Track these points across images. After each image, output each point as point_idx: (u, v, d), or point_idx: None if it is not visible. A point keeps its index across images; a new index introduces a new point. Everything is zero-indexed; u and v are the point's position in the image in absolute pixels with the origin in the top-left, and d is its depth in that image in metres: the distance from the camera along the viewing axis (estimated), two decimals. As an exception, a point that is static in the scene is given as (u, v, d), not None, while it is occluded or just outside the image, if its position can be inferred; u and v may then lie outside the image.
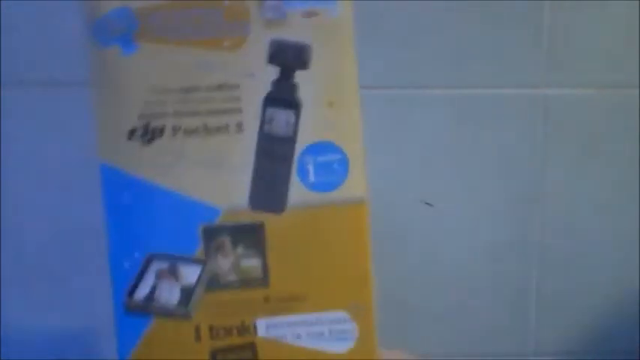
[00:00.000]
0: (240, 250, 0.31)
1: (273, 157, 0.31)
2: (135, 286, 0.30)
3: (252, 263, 0.31)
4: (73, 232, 0.51)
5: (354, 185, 0.31)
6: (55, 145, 0.51)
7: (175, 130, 0.30)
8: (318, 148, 0.31)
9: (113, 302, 0.30)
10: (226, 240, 0.31)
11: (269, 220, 0.31)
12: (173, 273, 0.31)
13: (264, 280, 0.31)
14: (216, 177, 0.30)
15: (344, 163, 0.31)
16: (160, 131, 0.30)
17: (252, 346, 0.31)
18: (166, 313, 0.30)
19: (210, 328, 0.31)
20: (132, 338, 0.31)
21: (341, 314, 0.31)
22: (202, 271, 0.31)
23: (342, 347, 0.32)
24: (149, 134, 0.30)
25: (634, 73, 0.52)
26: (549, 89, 0.52)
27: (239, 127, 0.30)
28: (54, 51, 0.49)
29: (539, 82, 0.52)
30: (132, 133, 0.30)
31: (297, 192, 0.31)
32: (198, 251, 0.31)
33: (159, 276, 0.31)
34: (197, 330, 0.31)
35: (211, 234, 0.31)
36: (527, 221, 0.54)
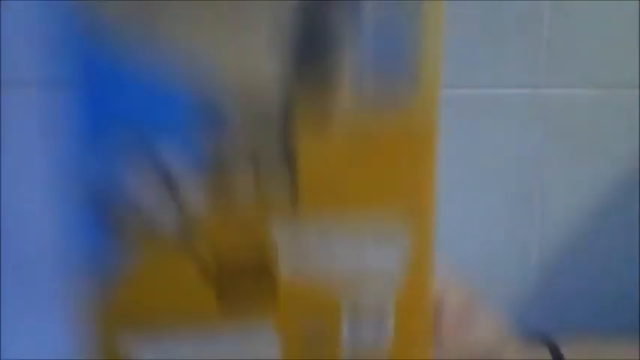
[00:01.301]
0: (263, 165, 0.23)
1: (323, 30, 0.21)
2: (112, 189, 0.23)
3: (276, 184, 0.23)
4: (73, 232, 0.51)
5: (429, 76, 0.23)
6: (55, 145, 0.50)
7: None
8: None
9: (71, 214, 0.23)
10: (241, 149, 0.22)
11: (308, 117, 0.23)
12: (167, 188, 0.22)
13: (299, 195, 0.23)
14: (237, 39, 0.21)
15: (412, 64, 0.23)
16: None
17: (271, 266, 0.24)
18: (159, 236, 0.23)
19: (216, 253, 0.23)
20: (104, 271, 0.24)
21: (390, 224, 0.24)
22: (212, 185, 0.22)
23: (388, 262, 0.25)
24: None
25: (634, 73, 0.52)
26: (549, 89, 0.52)
27: None
28: (54, 51, 0.49)
29: (539, 82, 0.52)
30: None
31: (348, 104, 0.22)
32: (206, 151, 0.22)
33: (148, 176, 0.22)
34: (198, 256, 0.24)
35: (222, 167, 0.22)
36: (526, 221, 0.54)
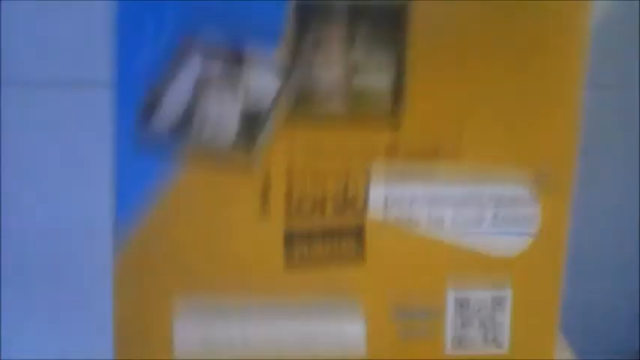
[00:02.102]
0: (357, 53, 0.16)
1: None
2: (159, 95, 0.16)
3: (376, 80, 0.16)
4: (73, 231, 0.51)
5: None
6: (55, 145, 0.50)
7: None
8: None
9: (115, 128, 0.16)
10: (336, 31, 0.16)
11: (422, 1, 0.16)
12: (231, 78, 0.16)
13: (393, 113, 0.17)
14: None
15: None
16: None
17: (357, 233, 0.18)
18: (211, 152, 0.16)
19: (288, 195, 0.17)
20: (144, 198, 0.17)
21: (520, 187, 0.18)
22: (284, 85, 0.16)
23: (510, 246, 0.19)
24: None
25: (634, 73, 0.52)
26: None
27: None
28: (54, 51, 0.49)
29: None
30: None
31: None
32: (282, 47, 0.16)
33: (203, 81, 0.16)
34: (264, 195, 0.17)
35: (310, 15, 0.16)
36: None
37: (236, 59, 0.16)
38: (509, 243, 0.19)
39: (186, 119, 0.16)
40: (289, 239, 0.17)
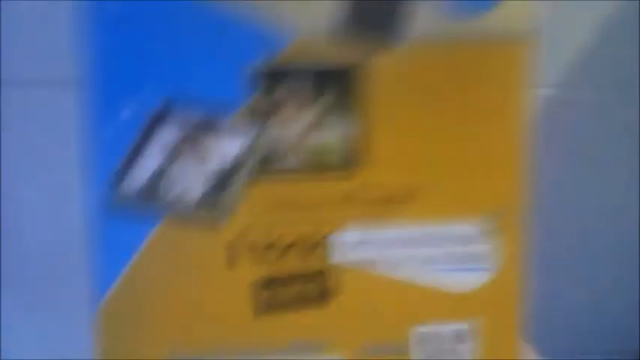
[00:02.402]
0: (313, 112, 0.17)
1: None
2: (135, 156, 0.17)
3: (333, 135, 0.17)
4: (73, 232, 0.51)
5: (516, 7, 0.18)
6: (54, 145, 0.50)
7: None
8: None
9: (90, 193, 0.18)
10: (293, 93, 0.17)
11: (378, 57, 0.17)
12: (207, 135, 0.17)
13: (350, 164, 0.18)
14: None
15: None
16: None
17: (320, 277, 0.18)
18: (188, 208, 0.17)
19: (252, 247, 0.18)
20: (119, 258, 0.19)
21: (475, 226, 0.20)
22: (247, 147, 0.17)
23: (468, 281, 0.20)
24: None
25: (634, 73, 0.52)
26: (549, 89, 0.52)
27: None
28: (54, 51, 0.49)
29: (538, 82, 0.52)
30: None
31: (424, 13, 0.17)
32: (243, 111, 0.17)
33: (174, 147, 0.17)
34: (231, 249, 0.18)
35: (277, 74, 0.17)
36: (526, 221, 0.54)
37: (202, 125, 0.17)
38: (466, 279, 0.20)
39: (157, 183, 0.17)
40: (256, 287, 0.19)
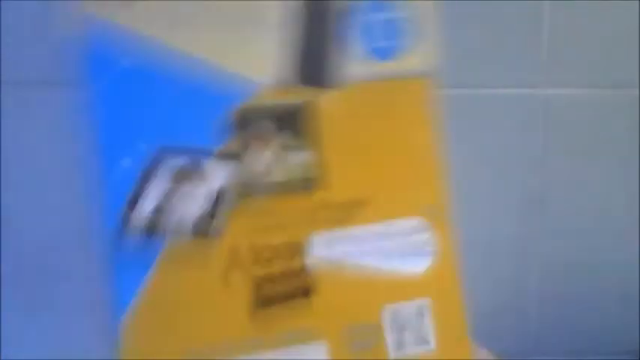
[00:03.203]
0: (284, 139, 0.23)
1: (324, 12, 0.22)
2: (138, 195, 0.21)
3: (301, 158, 0.23)
4: (73, 232, 0.51)
5: (425, 51, 0.24)
6: (55, 145, 0.50)
7: None
8: (380, 3, 0.23)
9: (106, 220, 0.21)
10: (266, 126, 0.22)
11: (321, 98, 0.23)
12: (194, 173, 0.22)
13: (318, 179, 0.23)
14: (249, 37, 0.22)
15: (412, 21, 0.24)
16: None
17: (303, 272, 0.23)
18: (186, 232, 0.22)
19: (250, 249, 0.23)
20: (135, 275, 0.21)
21: (415, 221, 0.25)
22: (235, 171, 0.22)
23: (418, 264, 0.25)
24: None
25: (634, 73, 0.52)
26: (549, 89, 0.52)
27: None
28: (53, 51, 0.49)
29: (539, 82, 0.52)
30: None
31: (356, 60, 0.23)
32: (228, 143, 0.22)
33: (173, 178, 0.21)
34: (231, 252, 0.22)
35: (245, 119, 0.22)
36: (526, 221, 0.54)
37: (191, 164, 0.22)
38: (418, 263, 0.25)
39: (159, 214, 0.22)
40: (250, 288, 0.23)
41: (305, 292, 0.24)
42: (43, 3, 0.48)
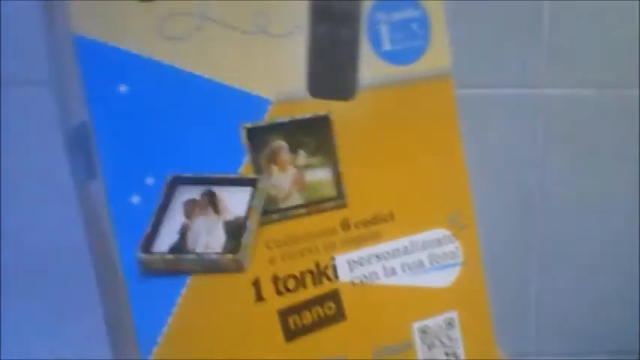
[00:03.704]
0: (301, 158, 0.21)
1: (334, 17, 0.21)
2: (153, 233, 0.19)
3: (320, 175, 0.22)
4: (73, 233, 0.51)
5: (440, 51, 0.23)
6: (54, 144, 0.50)
7: None
8: (391, 2, 0.22)
9: (121, 264, 0.19)
10: (282, 145, 0.21)
11: (336, 109, 0.22)
12: (210, 203, 0.20)
13: (339, 197, 0.22)
14: (259, 50, 0.20)
15: (424, 21, 0.23)
16: None
17: (334, 296, 0.22)
18: (208, 267, 0.20)
19: (274, 280, 0.21)
20: (158, 317, 0.20)
21: (440, 232, 0.24)
22: (253, 196, 0.20)
23: (447, 277, 0.24)
24: None
25: (634, 73, 0.52)
26: (549, 89, 0.52)
27: None
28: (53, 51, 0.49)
29: (539, 82, 0.52)
30: None
31: (370, 66, 0.22)
32: (243, 167, 0.21)
33: (189, 211, 0.20)
34: (256, 285, 0.21)
35: (259, 138, 0.20)
36: (526, 221, 0.54)
37: (213, 185, 0.20)
38: (445, 275, 0.24)
39: (183, 241, 0.20)
40: (283, 315, 0.22)
41: (333, 318, 0.22)
42: (44, 3, 0.48)
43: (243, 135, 0.20)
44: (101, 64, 0.19)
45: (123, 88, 0.19)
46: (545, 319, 0.56)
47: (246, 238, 0.20)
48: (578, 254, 0.55)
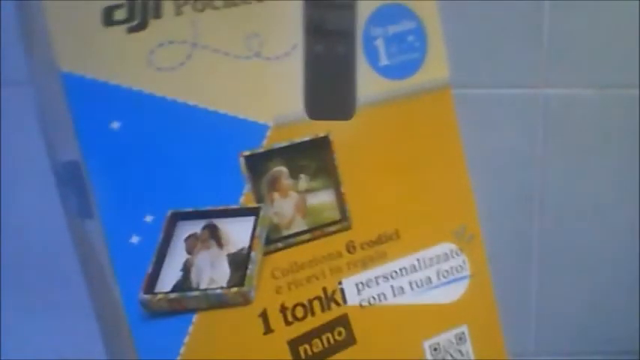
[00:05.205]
0: (302, 182, 0.21)
1: (330, 34, 0.20)
2: (155, 272, 0.19)
3: (322, 198, 0.21)
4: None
5: (436, 64, 0.23)
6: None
7: (180, 3, 0.18)
8: (386, 15, 0.21)
9: (124, 306, 0.19)
10: (282, 171, 0.20)
11: (335, 129, 0.21)
12: (212, 236, 0.19)
13: (343, 220, 0.21)
14: (254, 75, 0.19)
15: (420, 32, 0.22)
16: (156, 8, 0.18)
17: (343, 321, 0.21)
18: (213, 303, 0.19)
19: (283, 310, 0.20)
20: (171, 349, 0.19)
21: (447, 246, 0.23)
22: (256, 225, 0.19)
23: (455, 291, 0.24)
24: (137, 14, 0.18)
25: (634, 73, 0.52)
26: (549, 89, 0.52)
27: None
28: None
29: (539, 82, 0.52)
30: (109, 15, 0.18)
31: (368, 82, 0.21)
32: (244, 196, 0.20)
33: (191, 246, 0.19)
34: (264, 317, 0.20)
35: (259, 165, 0.20)
36: (526, 221, 0.54)
37: (213, 217, 0.19)
38: (453, 290, 0.24)
39: (186, 278, 0.19)
40: (293, 345, 0.21)
41: (343, 344, 0.22)
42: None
43: (242, 163, 0.20)
44: (91, 101, 0.18)
45: (115, 125, 0.18)
46: (545, 319, 0.56)
47: (251, 269, 0.20)
48: (578, 254, 0.55)
